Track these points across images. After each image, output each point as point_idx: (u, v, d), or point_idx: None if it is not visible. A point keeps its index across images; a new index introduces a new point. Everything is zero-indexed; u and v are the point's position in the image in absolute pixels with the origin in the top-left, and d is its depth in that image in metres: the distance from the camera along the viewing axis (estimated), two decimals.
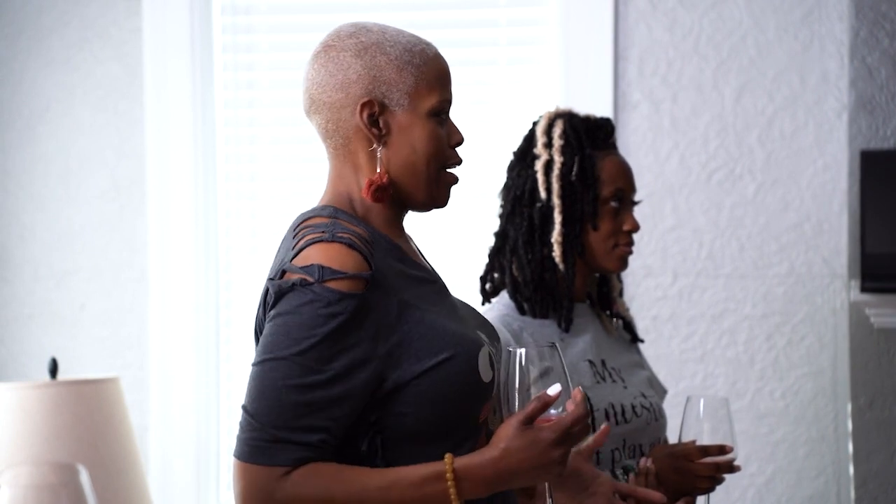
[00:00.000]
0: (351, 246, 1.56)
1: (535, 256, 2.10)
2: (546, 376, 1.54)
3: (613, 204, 2.09)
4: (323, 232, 1.58)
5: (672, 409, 2.42)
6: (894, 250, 2.90)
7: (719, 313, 3.10)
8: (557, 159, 2.11)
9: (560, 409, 1.54)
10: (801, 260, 3.09)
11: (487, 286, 2.18)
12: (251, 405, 1.54)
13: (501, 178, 2.25)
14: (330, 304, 1.53)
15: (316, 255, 1.55)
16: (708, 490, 1.99)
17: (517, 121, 3.19)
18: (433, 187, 1.67)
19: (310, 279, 1.54)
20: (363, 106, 1.63)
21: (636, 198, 2.18)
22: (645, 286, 3.11)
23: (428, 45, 1.68)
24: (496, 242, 2.16)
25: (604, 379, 2.09)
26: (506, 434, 1.51)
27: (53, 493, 1.07)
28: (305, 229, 1.61)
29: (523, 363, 1.54)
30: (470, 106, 3.23)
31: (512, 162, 2.19)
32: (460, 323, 1.65)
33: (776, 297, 3.09)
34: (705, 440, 1.98)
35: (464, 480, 1.51)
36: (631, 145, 3.11)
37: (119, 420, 2.62)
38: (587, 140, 2.11)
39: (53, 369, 2.67)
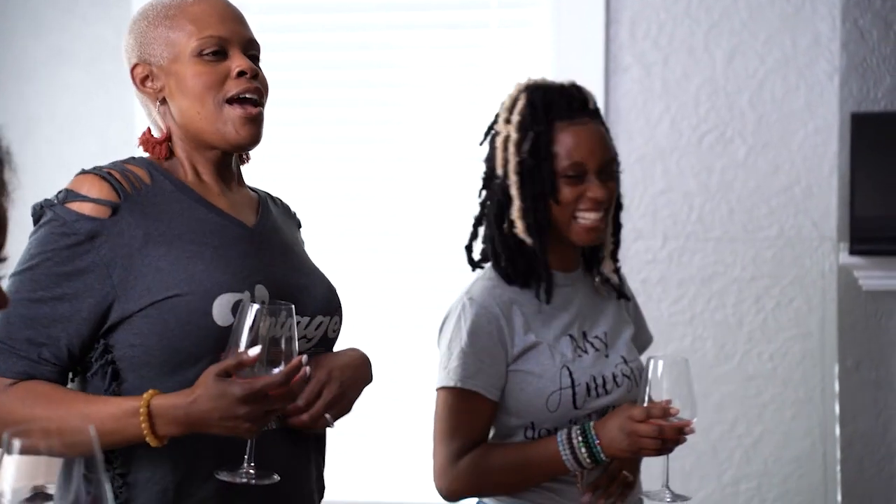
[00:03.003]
0: (104, 178, 1.64)
1: (505, 231, 2.10)
2: (280, 336, 1.55)
3: (572, 177, 2.05)
4: (92, 168, 1.68)
5: None
6: (883, 213, 2.91)
7: (708, 276, 3.12)
8: (513, 136, 2.09)
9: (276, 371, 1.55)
10: (791, 223, 3.10)
11: (474, 255, 2.18)
12: None
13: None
14: (65, 223, 1.62)
15: (71, 183, 1.66)
16: (658, 452, 1.96)
17: (509, 84, 3.18)
18: (219, 125, 1.69)
19: (53, 201, 1.63)
20: (133, 69, 1.73)
21: (617, 163, 2.12)
22: (635, 249, 3.11)
23: None
24: (479, 212, 2.16)
25: (585, 351, 2.09)
26: (201, 382, 1.55)
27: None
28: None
29: (247, 316, 1.55)
30: (461, 69, 3.21)
31: (484, 136, 2.18)
32: (222, 265, 1.65)
33: (765, 260, 3.10)
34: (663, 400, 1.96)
35: (157, 418, 1.55)
36: (622, 109, 3.10)
37: None
38: (549, 112, 2.07)
39: None
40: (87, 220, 1.62)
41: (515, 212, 2.09)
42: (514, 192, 2.09)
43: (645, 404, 1.96)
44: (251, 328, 1.55)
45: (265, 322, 1.55)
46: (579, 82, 2.16)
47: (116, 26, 3.23)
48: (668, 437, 1.94)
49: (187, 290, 1.61)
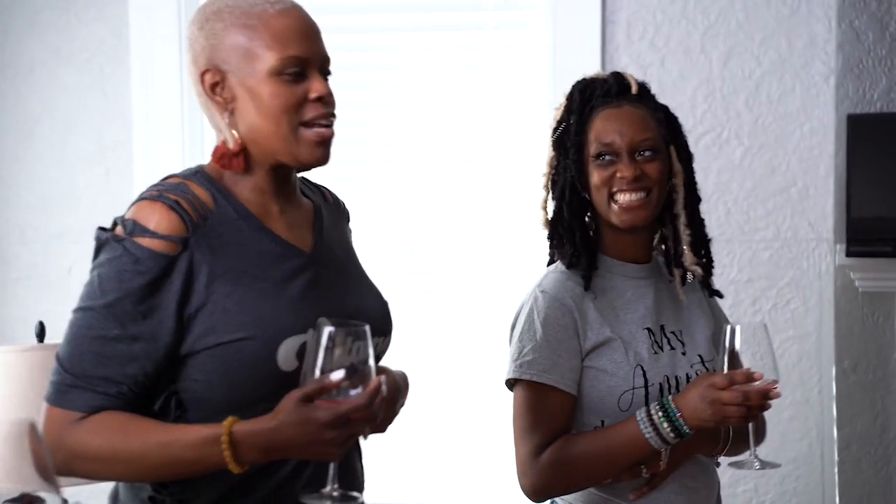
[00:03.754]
0: (172, 208, 1.59)
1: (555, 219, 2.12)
2: (356, 359, 1.53)
3: (602, 157, 2.03)
4: (157, 190, 1.62)
5: None
6: (880, 214, 2.91)
7: None
8: (552, 125, 2.12)
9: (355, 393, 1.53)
10: (788, 224, 3.10)
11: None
12: (61, 350, 1.61)
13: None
14: (138, 260, 1.57)
15: (136, 211, 1.60)
16: (743, 420, 1.90)
17: (505, 85, 3.19)
18: (292, 146, 1.65)
19: (122, 232, 1.59)
20: (203, 75, 1.66)
21: (657, 145, 2.06)
22: None
23: (274, 3, 1.66)
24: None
25: (661, 348, 2.05)
26: (283, 408, 1.52)
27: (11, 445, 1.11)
28: (153, 185, 1.66)
29: (324, 340, 1.52)
30: (457, 70, 3.22)
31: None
32: (288, 306, 1.63)
33: (762, 262, 3.10)
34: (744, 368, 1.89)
35: (239, 445, 1.53)
36: None
37: None
38: (587, 102, 2.07)
39: (41, 333, 2.67)
40: (160, 258, 1.58)
41: (541, 202, 2.11)
42: (543, 183, 2.11)
43: (724, 372, 1.90)
44: (328, 352, 1.52)
45: (342, 345, 1.52)
46: (568, 90, 2.16)
47: (113, 26, 3.24)
48: (753, 402, 1.88)
49: (253, 335, 1.59)
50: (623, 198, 2.03)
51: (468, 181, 3.21)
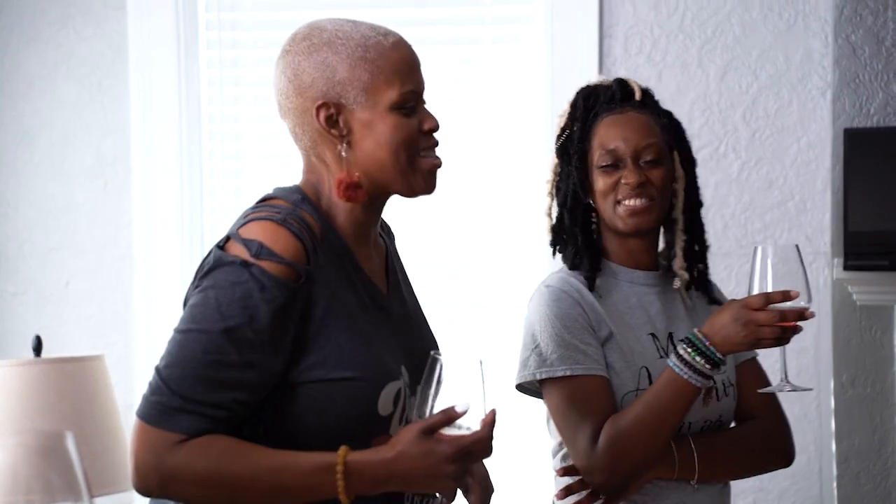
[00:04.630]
0: (296, 235, 1.56)
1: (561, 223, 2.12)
2: (466, 389, 1.51)
3: (607, 166, 2.04)
4: (277, 212, 1.58)
5: None
6: (877, 228, 2.92)
7: None
8: (556, 131, 2.13)
9: (466, 427, 1.51)
10: (785, 238, 3.10)
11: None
12: (166, 370, 1.54)
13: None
14: (265, 288, 1.53)
15: (261, 232, 1.56)
16: (778, 342, 1.87)
17: (502, 99, 3.20)
18: (409, 177, 1.65)
19: (247, 254, 1.54)
20: (319, 108, 1.62)
21: (664, 151, 2.07)
22: None
23: (386, 35, 1.66)
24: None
25: (667, 354, 2.03)
26: (405, 438, 1.50)
27: (42, 457, 1.09)
28: (265, 205, 1.62)
29: (441, 372, 1.51)
30: (455, 84, 3.22)
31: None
32: (385, 350, 1.62)
33: None
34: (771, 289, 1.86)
35: (354, 475, 1.50)
36: None
37: (104, 398, 2.62)
38: (591, 109, 2.08)
39: (38, 347, 2.67)
40: (285, 286, 1.54)
41: (545, 208, 2.12)
42: (548, 190, 2.12)
43: (749, 293, 1.87)
44: (446, 383, 1.51)
45: (459, 374, 1.51)
46: (572, 97, 2.16)
47: (112, 41, 3.25)
48: (790, 321, 1.85)
49: (363, 376, 1.58)
50: (628, 203, 2.03)
51: (465, 196, 3.21)
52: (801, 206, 3.09)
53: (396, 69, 1.63)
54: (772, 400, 2.15)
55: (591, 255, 2.06)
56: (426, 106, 1.70)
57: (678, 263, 2.09)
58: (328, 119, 1.62)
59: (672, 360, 1.92)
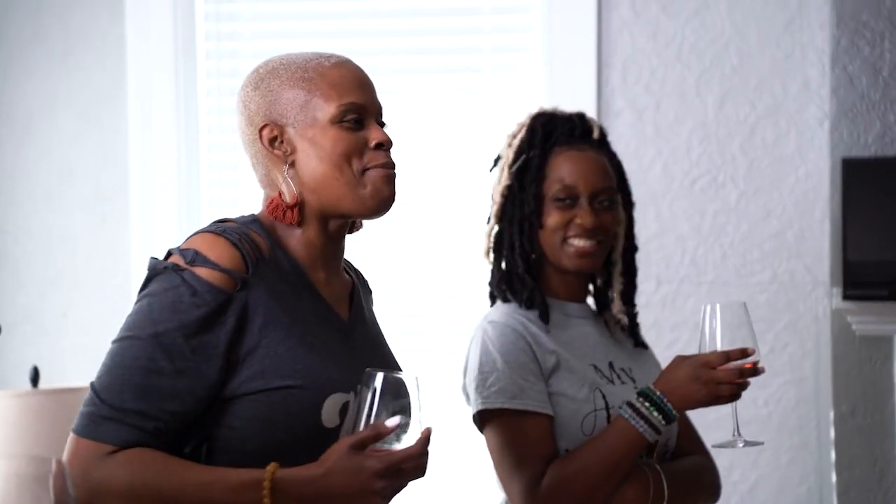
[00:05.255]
0: (234, 244, 1.56)
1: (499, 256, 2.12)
2: (403, 406, 1.50)
3: (562, 201, 2.05)
4: (220, 228, 1.59)
5: None
6: (876, 258, 2.92)
7: None
8: (509, 159, 2.11)
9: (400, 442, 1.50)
10: (784, 267, 3.10)
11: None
12: (98, 380, 1.54)
13: (486, 184, 2.26)
14: (196, 293, 1.53)
15: (199, 242, 1.57)
16: (733, 398, 1.90)
17: (501, 128, 3.20)
18: (357, 190, 1.63)
19: (182, 261, 1.54)
20: (262, 130, 1.65)
21: (615, 196, 2.10)
22: None
23: (329, 57, 1.68)
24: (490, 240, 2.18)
25: (612, 382, 2.05)
26: (334, 454, 1.49)
27: (36, 483, 1.09)
28: (213, 223, 1.63)
29: (377, 387, 1.49)
30: (453, 113, 3.23)
31: (493, 164, 2.19)
32: (331, 362, 1.61)
33: (759, 305, 3.10)
34: (725, 348, 1.90)
35: (281, 492, 1.48)
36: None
37: None
38: (549, 138, 2.08)
39: (35, 378, 2.66)
40: (219, 293, 1.53)
41: (488, 231, 2.12)
42: (493, 214, 2.11)
43: (707, 352, 1.90)
44: (380, 399, 1.49)
45: (391, 393, 1.50)
46: (525, 120, 2.16)
47: (111, 74, 3.25)
48: (746, 378, 1.88)
49: (303, 384, 1.55)
50: (578, 243, 2.05)
51: (463, 223, 3.21)
52: (800, 235, 3.10)
53: (334, 84, 1.65)
54: (698, 438, 2.17)
55: (540, 290, 2.07)
56: (384, 127, 1.70)
57: (616, 307, 2.14)
58: (272, 140, 1.65)
59: (627, 412, 1.94)
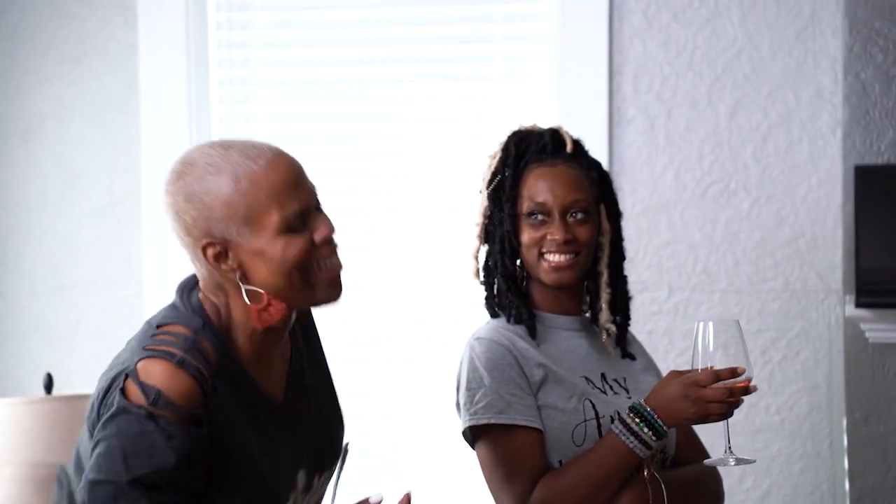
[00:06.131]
0: (195, 378, 1.56)
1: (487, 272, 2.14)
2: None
3: (534, 216, 2.07)
4: (176, 349, 1.57)
5: None
6: (889, 265, 2.91)
7: None
8: (486, 178, 2.13)
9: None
10: (796, 275, 3.10)
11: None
12: None
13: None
14: (171, 437, 1.53)
15: (159, 377, 1.56)
16: (724, 416, 1.90)
17: None
18: (309, 294, 1.64)
19: (145, 401, 1.54)
20: (205, 248, 1.61)
21: (589, 207, 2.10)
22: (640, 300, 3.11)
23: (257, 157, 1.61)
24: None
25: (604, 392, 2.06)
26: None
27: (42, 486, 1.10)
28: (163, 336, 1.61)
29: (345, 459, 1.56)
30: (464, 122, 3.24)
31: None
32: (276, 473, 1.65)
33: (771, 313, 3.10)
34: (718, 365, 1.90)
35: None
36: (626, 161, 3.12)
37: None
38: (522, 156, 2.09)
39: (48, 384, 2.67)
40: (188, 434, 1.55)
41: (472, 251, 2.13)
42: (476, 235, 2.13)
43: (699, 369, 1.90)
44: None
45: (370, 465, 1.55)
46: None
47: (124, 79, 3.27)
48: (737, 398, 1.89)
49: (268, 484, 1.63)
50: (552, 258, 2.06)
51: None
52: (813, 243, 3.09)
53: (272, 194, 1.59)
54: (700, 444, 2.17)
55: (526, 306, 2.09)
56: (321, 211, 1.68)
57: (604, 317, 2.13)
58: (217, 256, 1.61)
59: (617, 428, 1.94)
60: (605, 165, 2.21)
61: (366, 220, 3.26)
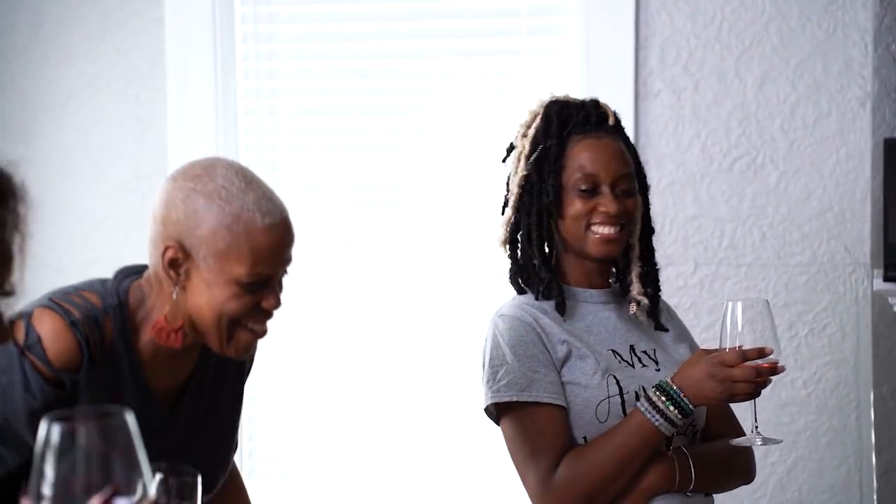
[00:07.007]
0: (79, 342, 1.59)
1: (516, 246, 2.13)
2: None
3: (582, 189, 2.05)
4: (74, 312, 1.61)
5: None
6: None
7: None
8: (526, 149, 2.10)
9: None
10: (824, 249, 3.08)
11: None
12: None
13: (499, 173, 2.25)
14: (28, 387, 1.56)
15: (47, 326, 1.60)
16: (750, 396, 1.90)
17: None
18: (223, 344, 1.68)
19: (23, 341, 1.56)
20: (167, 248, 1.66)
21: (633, 181, 2.10)
22: (666, 275, 3.09)
23: (265, 214, 1.66)
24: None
25: (631, 364, 2.05)
26: None
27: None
28: (73, 296, 1.64)
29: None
30: (491, 96, 3.22)
31: (506, 154, 2.18)
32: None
33: (798, 286, 3.08)
34: (746, 345, 1.90)
35: None
36: (652, 134, 3.10)
37: None
38: (564, 126, 2.07)
39: None
40: (48, 391, 1.58)
41: (504, 223, 2.11)
42: (511, 205, 2.10)
43: (727, 348, 1.91)
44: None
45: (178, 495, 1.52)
46: (537, 108, 2.14)
47: (149, 55, 3.26)
48: (764, 378, 1.89)
49: None
50: (602, 230, 2.04)
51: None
52: (841, 217, 3.07)
53: (254, 250, 1.64)
54: (733, 418, 2.17)
55: (557, 281, 2.08)
56: (282, 281, 1.71)
57: (636, 289, 2.12)
58: (172, 261, 1.65)
59: (643, 405, 1.94)
60: (631, 139, 2.20)
61: (396, 203, 3.26)
